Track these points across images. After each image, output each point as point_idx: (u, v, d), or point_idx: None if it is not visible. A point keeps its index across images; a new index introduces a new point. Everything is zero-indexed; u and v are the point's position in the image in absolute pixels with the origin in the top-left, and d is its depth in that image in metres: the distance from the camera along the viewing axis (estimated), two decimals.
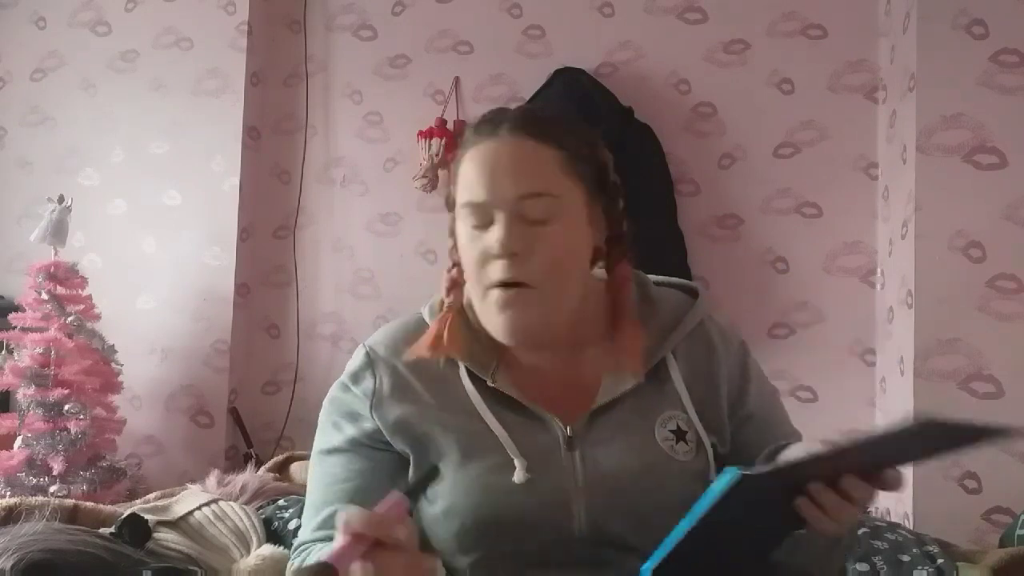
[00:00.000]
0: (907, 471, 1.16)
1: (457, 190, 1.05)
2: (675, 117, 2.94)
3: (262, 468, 2.39)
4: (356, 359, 1.11)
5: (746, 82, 2.94)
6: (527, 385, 1.05)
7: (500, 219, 1.00)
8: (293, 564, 1.06)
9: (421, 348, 1.05)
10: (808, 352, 2.85)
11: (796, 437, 1.14)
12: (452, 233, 1.09)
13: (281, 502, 1.90)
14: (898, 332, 2.63)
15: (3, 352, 2.73)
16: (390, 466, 1.05)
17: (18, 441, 2.55)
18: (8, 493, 2.39)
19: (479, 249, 1.01)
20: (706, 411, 1.07)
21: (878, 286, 2.84)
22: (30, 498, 1.82)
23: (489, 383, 1.04)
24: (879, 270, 2.84)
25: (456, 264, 1.08)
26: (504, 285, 0.99)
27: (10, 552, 1.43)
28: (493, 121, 1.05)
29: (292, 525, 1.74)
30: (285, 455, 2.41)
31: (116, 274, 3.10)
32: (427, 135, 3.00)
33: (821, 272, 2.88)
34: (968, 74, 2.51)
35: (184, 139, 3.14)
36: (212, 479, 2.12)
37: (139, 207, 3.17)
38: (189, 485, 2.15)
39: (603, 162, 1.08)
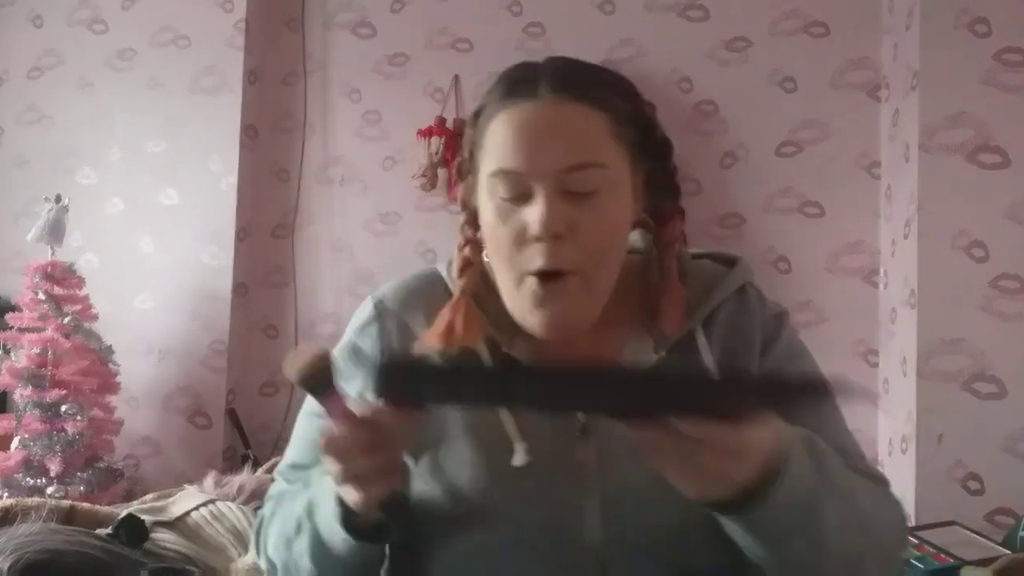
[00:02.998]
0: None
1: (483, 155, 0.92)
2: (676, 115, 2.92)
3: (260, 469, 2.38)
4: (363, 311, 1.02)
5: (748, 80, 2.93)
6: (544, 358, 0.94)
7: (541, 194, 0.87)
8: (268, 511, 1.00)
9: (432, 338, 0.93)
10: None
11: (859, 459, 1.01)
12: (464, 206, 0.97)
13: None
14: (901, 332, 2.62)
15: (0, 352, 2.71)
16: None
17: (15, 442, 2.54)
18: (5, 494, 2.38)
19: (514, 227, 0.88)
20: None
21: (881, 286, 2.83)
22: (26, 499, 1.82)
23: (504, 349, 0.94)
24: (882, 270, 2.82)
25: (469, 241, 0.97)
26: (543, 275, 0.88)
27: (7, 553, 1.42)
28: (529, 79, 0.91)
29: None
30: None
31: (113, 274, 3.08)
32: (426, 134, 2.99)
33: (823, 272, 2.87)
34: (971, 73, 2.50)
35: (182, 138, 3.13)
36: (209, 480, 2.12)
37: (136, 206, 3.16)
38: (186, 486, 2.15)
39: (649, 116, 0.96)
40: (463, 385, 0.73)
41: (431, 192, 3.01)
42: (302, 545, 0.89)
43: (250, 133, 3.16)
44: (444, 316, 0.94)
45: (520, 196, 0.89)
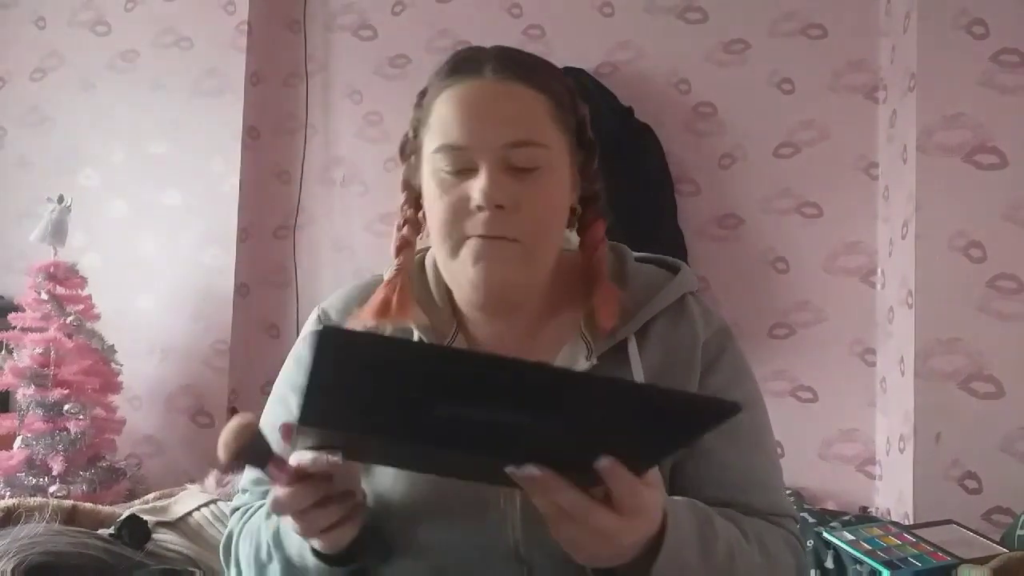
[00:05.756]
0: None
1: (427, 134, 0.94)
2: (675, 117, 2.94)
3: None
4: (309, 322, 1.08)
5: (746, 82, 2.93)
6: None
7: (484, 168, 0.89)
8: (235, 527, 1.00)
9: (367, 314, 0.95)
10: (808, 352, 2.85)
11: (765, 493, 0.96)
12: (406, 186, 1.00)
13: None
14: (898, 332, 2.63)
15: (3, 352, 2.72)
16: None
17: (18, 441, 2.55)
18: (8, 493, 2.39)
19: (455, 198, 0.90)
20: None
21: (878, 286, 2.84)
22: (29, 499, 1.82)
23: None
24: (879, 270, 2.83)
25: (407, 221, 1.00)
26: (484, 237, 0.89)
27: (10, 555, 1.43)
28: (473, 59, 0.93)
29: None
30: None
31: (116, 274, 3.09)
32: None
33: (821, 272, 2.87)
34: (969, 74, 2.51)
35: (184, 139, 3.14)
36: (211, 479, 2.12)
37: (139, 207, 3.17)
38: (188, 485, 2.16)
39: (583, 115, 0.98)
40: (395, 354, 0.64)
41: None
42: (275, 572, 0.90)
43: (252, 134, 3.18)
44: (379, 293, 0.97)
45: (463, 170, 0.90)
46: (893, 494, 2.61)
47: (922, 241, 2.50)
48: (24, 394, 2.56)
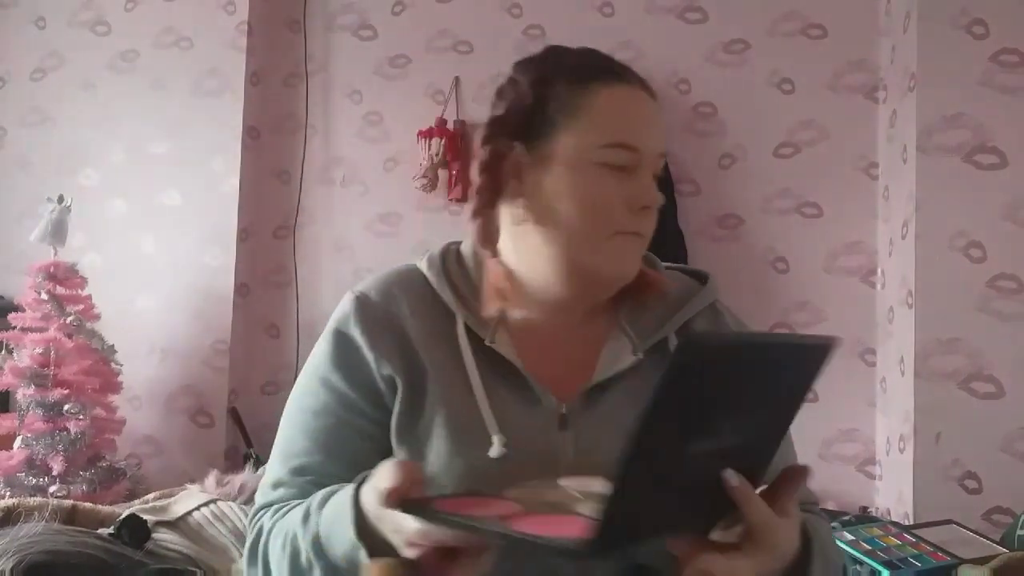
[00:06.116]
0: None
1: (577, 124, 0.94)
2: (675, 117, 2.94)
3: (261, 468, 2.39)
4: (344, 306, 1.02)
5: (746, 82, 2.94)
6: (525, 352, 0.96)
7: (645, 171, 0.95)
8: (266, 524, 0.94)
9: (491, 303, 0.95)
10: None
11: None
12: (515, 172, 0.96)
13: None
14: (898, 332, 2.63)
15: (3, 352, 2.72)
16: (370, 429, 0.96)
17: (18, 441, 2.55)
18: (8, 493, 2.39)
19: (618, 193, 0.93)
20: None
21: (878, 286, 2.84)
22: (28, 499, 1.83)
23: (487, 342, 0.95)
24: (879, 270, 2.83)
25: (485, 208, 0.99)
26: (636, 234, 0.95)
27: (10, 554, 1.43)
28: (617, 67, 0.99)
29: None
30: None
31: (116, 274, 3.09)
32: (427, 135, 3.00)
33: (821, 272, 2.88)
34: (968, 74, 2.51)
35: (184, 139, 3.14)
36: (211, 479, 2.12)
37: (139, 207, 3.17)
38: (188, 485, 2.16)
39: None
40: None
41: (432, 193, 3.02)
42: None
43: (252, 134, 3.18)
44: (490, 282, 0.97)
45: (627, 168, 0.94)
46: (893, 494, 2.61)
47: (922, 241, 2.50)
48: (24, 394, 2.56)
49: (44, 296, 2.62)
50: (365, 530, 0.79)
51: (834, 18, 2.90)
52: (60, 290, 2.65)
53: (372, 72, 3.19)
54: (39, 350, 2.57)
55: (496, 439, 0.90)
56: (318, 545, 0.85)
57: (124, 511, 1.85)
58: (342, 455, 0.95)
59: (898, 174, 2.67)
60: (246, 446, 3.02)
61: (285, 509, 0.94)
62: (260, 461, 2.61)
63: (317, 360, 1.02)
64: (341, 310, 1.02)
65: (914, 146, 2.52)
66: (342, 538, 0.81)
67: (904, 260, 2.58)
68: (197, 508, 1.94)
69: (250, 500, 1.97)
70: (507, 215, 0.98)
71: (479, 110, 3.09)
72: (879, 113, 2.86)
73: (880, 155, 2.85)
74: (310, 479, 0.95)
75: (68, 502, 1.89)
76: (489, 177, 0.98)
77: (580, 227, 0.94)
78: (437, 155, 2.97)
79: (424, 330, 0.97)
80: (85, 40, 3.26)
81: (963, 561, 1.77)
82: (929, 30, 2.53)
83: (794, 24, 2.92)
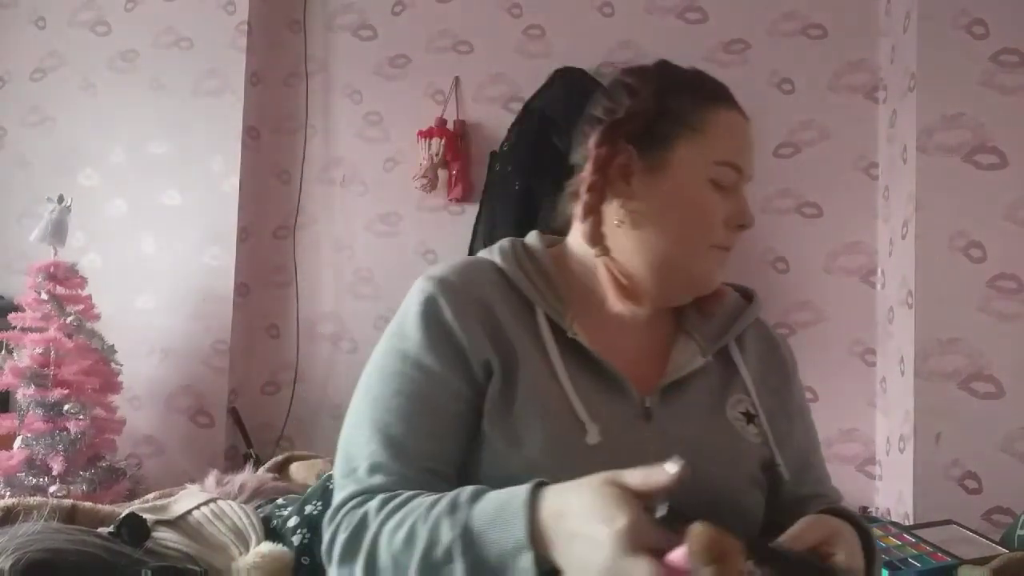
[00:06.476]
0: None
1: (695, 138, 0.99)
2: None
3: (261, 468, 2.39)
4: (421, 291, 0.99)
5: (746, 82, 2.92)
6: (596, 346, 0.99)
7: (743, 191, 1.03)
8: (372, 513, 0.88)
9: (617, 301, 0.99)
10: (808, 352, 2.84)
11: (830, 483, 1.18)
12: (625, 175, 1.00)
13: (280, 500, 1.90)
14: (898, 332, 2.63)
15: (3, 352, 2.72)
16: (465, 411, 0.96)
17: (18, 441, 2.55)
18: (8, 493, 2.39)
19: (725, 209, 1.01)
20: (765, 400, 1.07)
21: (878, 286, 2.84)
22: (28, 498, 1.82)
23: (569, 335, 0.98)
24: (879, 270, 2.83)
25: (596, 206, 1.01)
26: (728, 249, 1.04)
27: (9, 552, 1.43)
28: (729, 93, 1.05)
29: (291, 523, 1.73)
30: (285, 455, 2.41)
31: (116, 274, 3.10)
32: (427, 135, 3.00)
33: (821, 272, 2.88)
34: (968, 74, 2.51)
35: (184, 139, 3.14)
36: (211, 479, 2.12)
37: (139, 207, 3.17)
38: (188, 485, 2.15)
39: None
40: None
41: (431, 193, 3.02)
42: (458, 574, 0.82)
43: (252, 134, 3.18)
44: (610, 280, 1.01)
45: (729, 187, 1.01)
46: (893, 494, 2.61)
47: (922, 241, 2.50)
48: (24, 394, 2.55)
49: (44, 296, 2.62)
50: (534, 536, 0.77)
51: (834, 18, 2.90)
52: (60, 290, 2.65)
53: (372, 72, 3.19)
54: (39, 350, 2.57)
55: (592, 427, 0.93)
56: (468, 538, 0.82)
57: (124, 510, 1.85)
58: (445, 436, 0.95)
59: (898, 174, 2.67)
60: (246, 446, 3.02)
61: (400, 499, 0.89)
62: (260, 461, 2.61)
63: (405, 345, 0.99)
64: (423, 293, 1.00)
65: (914, 146, 2.52)
66: (504, 538, 0.79)
67: (904, 260, 2.58)
68: (197, 507, 1.94)
69: (250, 499, 1.97)
70: (607, 215, 1.02)
71: (479, 110, 3.09)
72: (879, 113, 2.86)
73: (880, 155, 2.85)
74: (415, 463, 0.93)
75: (68, 501, 1.89)
76: (601, 177, 1.00)
77: (684, 235, 1.01)
78: (437, 155, 2.97)
79: (511, 316, 0.99)
80: (85, 40, 3.26)
81: (963, 561, 1.77)
82: (929, 30, 2.53)
83: (794, 24, 2.92)
